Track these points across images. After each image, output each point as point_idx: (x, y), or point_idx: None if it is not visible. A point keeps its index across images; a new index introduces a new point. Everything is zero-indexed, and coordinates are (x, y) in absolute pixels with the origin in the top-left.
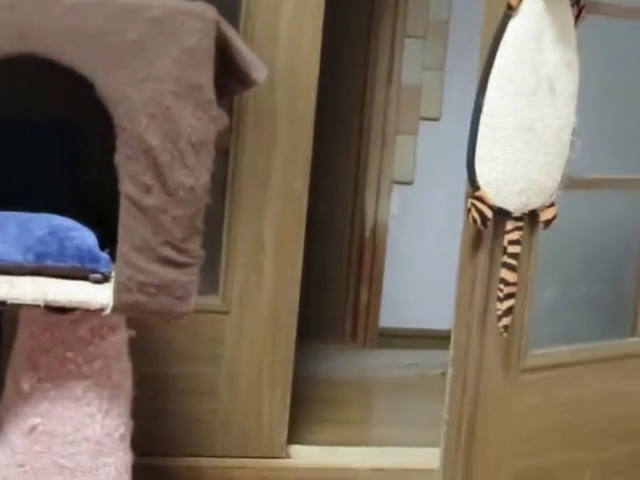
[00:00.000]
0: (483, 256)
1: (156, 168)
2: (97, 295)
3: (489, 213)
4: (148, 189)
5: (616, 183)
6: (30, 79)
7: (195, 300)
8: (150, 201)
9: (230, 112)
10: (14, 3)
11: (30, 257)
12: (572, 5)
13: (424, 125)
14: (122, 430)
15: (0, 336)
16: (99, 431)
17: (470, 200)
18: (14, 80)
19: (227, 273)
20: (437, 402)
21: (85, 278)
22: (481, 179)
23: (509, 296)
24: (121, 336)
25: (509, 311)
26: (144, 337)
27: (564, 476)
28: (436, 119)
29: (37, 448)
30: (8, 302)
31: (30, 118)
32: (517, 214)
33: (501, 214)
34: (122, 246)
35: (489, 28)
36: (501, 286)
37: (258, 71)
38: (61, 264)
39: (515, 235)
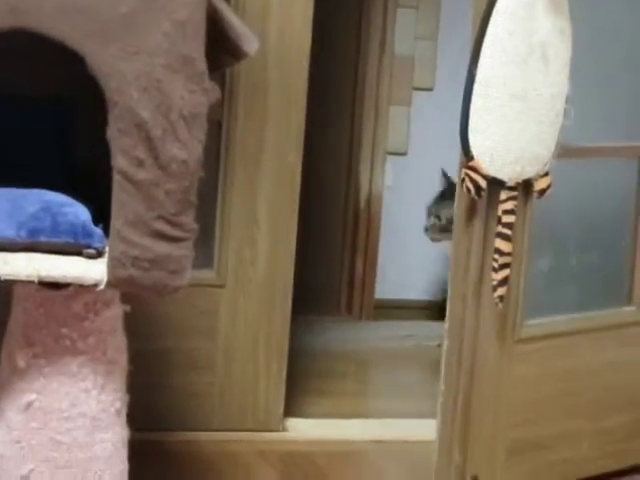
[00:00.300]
0: (477, 226)
1: (148, 142)
2: (91, 270)
3: (483, 183)
4: (141, 163)
5: (610, 151)
6: (20, 55)
7: (189, 274)
8: (143, 175)
9: (222, 85)
10: None
11: (23, 233)
12: None
13: (417, 95)
14: (118, 405)
15: None
16: (95, 406)
17: (464, 170)
18: (4, 56)
19: (221, 247)
20: (433, 373)
21: (79, 253)
22: (475, 149)
23: (504, 266)
24: (116, 311)
25: (504, 281)
26: (139, 312)
27: (562, 446)
28: (429, 89)
29: (33, 424)
30: (2, 278)
31: (21, 94)
32: (511, 184)
33: (495, 184)
34: (115, 221)
35: None
36: (496, 256)
37: (249, 43)
38: (54, 240)
39: (509, 205)
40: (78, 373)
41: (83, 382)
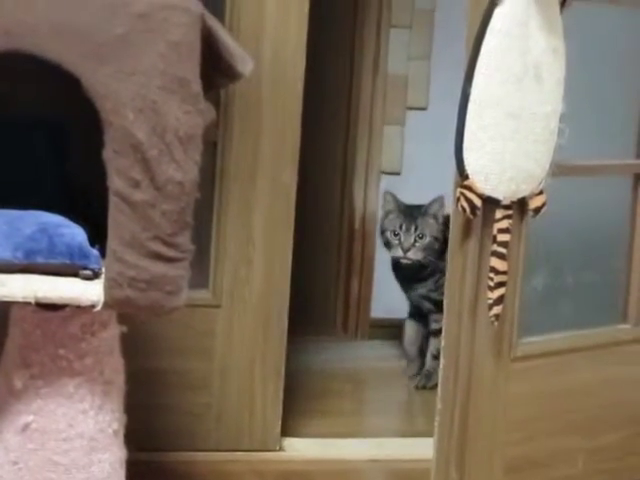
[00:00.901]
0: (473, 245)
1: (144, 163)
2: (88, 291)
3: (478, 202)
4: (137, 184)
5: (604, 169)
6: (15, 77)
7: (186, 294)
8: (139, 196)
9: (217, 105)
10: None
11: (20, 254)
12: None
13: (411, 115)
14: (115, 426)
15: None
16: (92, 427)
17: (459, 189)
18: (0, 78)
19: (217, 267)
20: (430, 392)
21: (75, 275)
22: (469, 168)
23: (499, 285)
24: (112, 332)
25: (500, 300)
26: (135, 332)
27: (557, 463)
28: (423, 109)
29: (31, 445)
30: None
31: (18, 117)
32: (506, 202)
33: (490, 202)
34: (112, 242)
35: (475, 16)
36: (491, 275)
37: (244, 64)
38: (51, 261)
39: (504, 223)
40: (75, 394)
41: (80, 403)
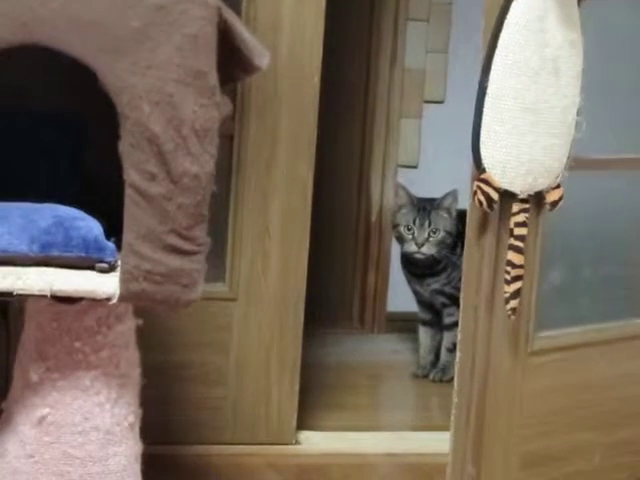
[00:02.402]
0: (489, 239)
1: (160, 156)
2: (103, 284)
3: (495, 195)
4: (153, 177)
5: (622, 163)
6: (32, 70)
7: (202, 288)
8: (155, 189)
9: (234, 99)
10: None
11: (36, 248)
12: None
13: (428, 108)
14: (131, 419)
15: (7, 327)
16: (108, 420)
17: (476, 183)
18: (16, 71)
19: (233, 260)
20: (446, 386)
21: (91, 268)
22: (486, 161)
23: (516, 278)
24: (128, 325)
25: (516, 294)
26: (151, 326)
27: (574, 458)
28: (440, 102)
29: (46, 438)
30: (15, 293)
31: (34, 109)
32: (523, 196)
33: (507, 196)
34: (128, 235)
35: (492, 9)
36: (508, 269)
37: (261, 57)
38: (67, 254)
39: (521, 217)
40: (91, 387)
41: (96, 396)
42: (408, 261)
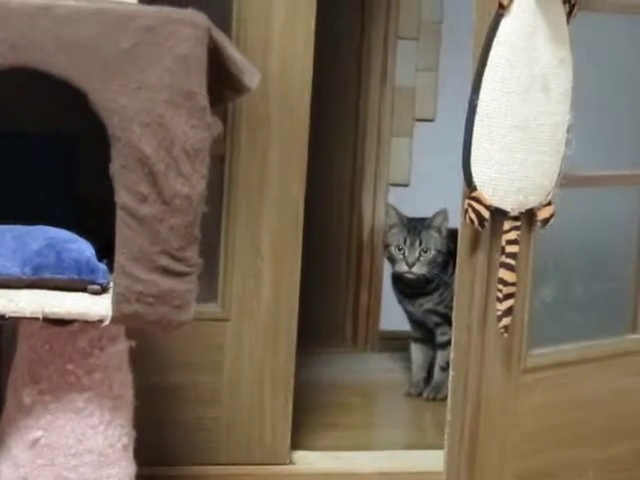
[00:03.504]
0: (481, 257)
1: (151, 177)
2: (96, 306)
3: (486, 213)
4: (144, 198)
5: (613, 179)
6: (23, 92)
7: (194, 309)
8: (146, 210)
9: (224, 119)
10: (4, 15)
11: (28, 270)
12: (564, 2)
13: (419, 126)
14: (125, 440)
15: (0, 350)
16: (102, 442)
17: (467, 201)
18: (7, 93)
19: (225, 280)
20: (440, 404)
21: (83, 289)
22: (477, 179)
23: (508, 296)
24: (121, 347)
25: (509, 311)
26: (144, 347)
27: (568, 475)
28: (431, 120)
29: (40, 461)
30: (7, 316)
31: (24, 131)
32: (514, 213)
33: (498, 214)
34: (119, 256)
35: (481, 28)
36: (500, 286)
37: (251, 77)
38: (59, 276)
39: (513, 235)
40: (84, 409)
41: (89, 418)
42: (399, 281)
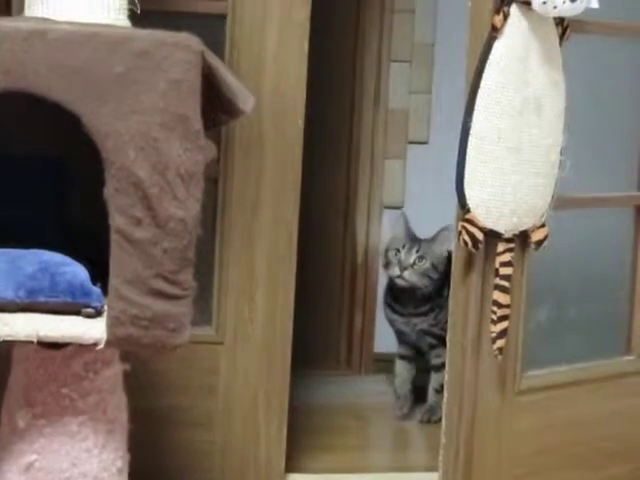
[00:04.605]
0: (475, 278)
1: (146, 201)
2: (90, 330)
3: (480, 235)
4: (138, 222)
5: (607, 201)
6: (16, 115)
7: (189, 332)
8: (140, 234)
9: (218, 142)
10: None
11: (22, 293)
12: (557, 24)
13: (412, 149)
14: (119, 464)
15: None
16: (96, 466)
17: (460, 223)
18: (0, 116)
19: (220, 303)
20: (434, 426)
21: (78, 313)
22: (471, 202)
23: (503, 318)
24: (115, 370)
25: (503, 333)
26: (138, 370)
27: None
28: (424, 143)
29: None
30: (1, 339)
31: (17, 154)
32: (508, 235)
33: (492, 236)
34: (114, 280)
35: (474, 50)
36: (494, 308)
37: (245, 100)
38: (53, 300)
39: (507, 257)
40: (79, 433)
41: (84, 442)
42: (391, 293)
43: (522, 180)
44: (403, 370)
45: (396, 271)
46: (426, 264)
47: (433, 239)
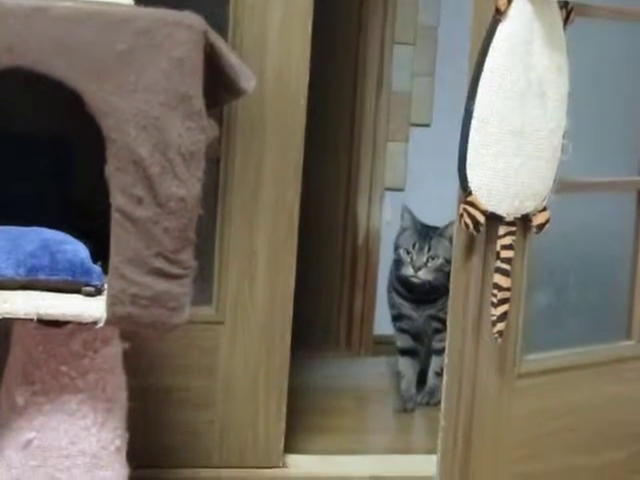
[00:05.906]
0: (476, 261)
1: (146, 180)
2: (90, 308)
3: (481, 218)
4: (139, 201)
5: (609, 186)
6: (18, 93)
7: (189, 311)
8: (141, 213)
9: (220, 122)
10: (0, 16)
11: (22, 271)
12: (561, 8)
13: (415, 131)
14: (118, 443)
15: None
16: (95, 444)
17: (462, 206)
18: (2, 94)
19: (220, 283)
20: (433, 409)
21: (78, 291)
22: (473, 184)
23: (503, 301)
24: (115, 349)
25: (503, 316)
26: (138, 349)
27: None
28: (427, 125)
29: (33, 462)
30: (1, 317)
31: (19, 132)
32: (509, 219)
33: (493, 219)
34: (114, 259)
35: (478, 33)
36: (495, 291)
37: (247, 80)
38: (53, 277)
39: (508, 240)
40: (77, 411)
41: (83, 420)
42: (404, 285)
43: (524, 163)
44: (409, 369)
45: (410, 271)
46: (439, 260)
47: (443, 233)
